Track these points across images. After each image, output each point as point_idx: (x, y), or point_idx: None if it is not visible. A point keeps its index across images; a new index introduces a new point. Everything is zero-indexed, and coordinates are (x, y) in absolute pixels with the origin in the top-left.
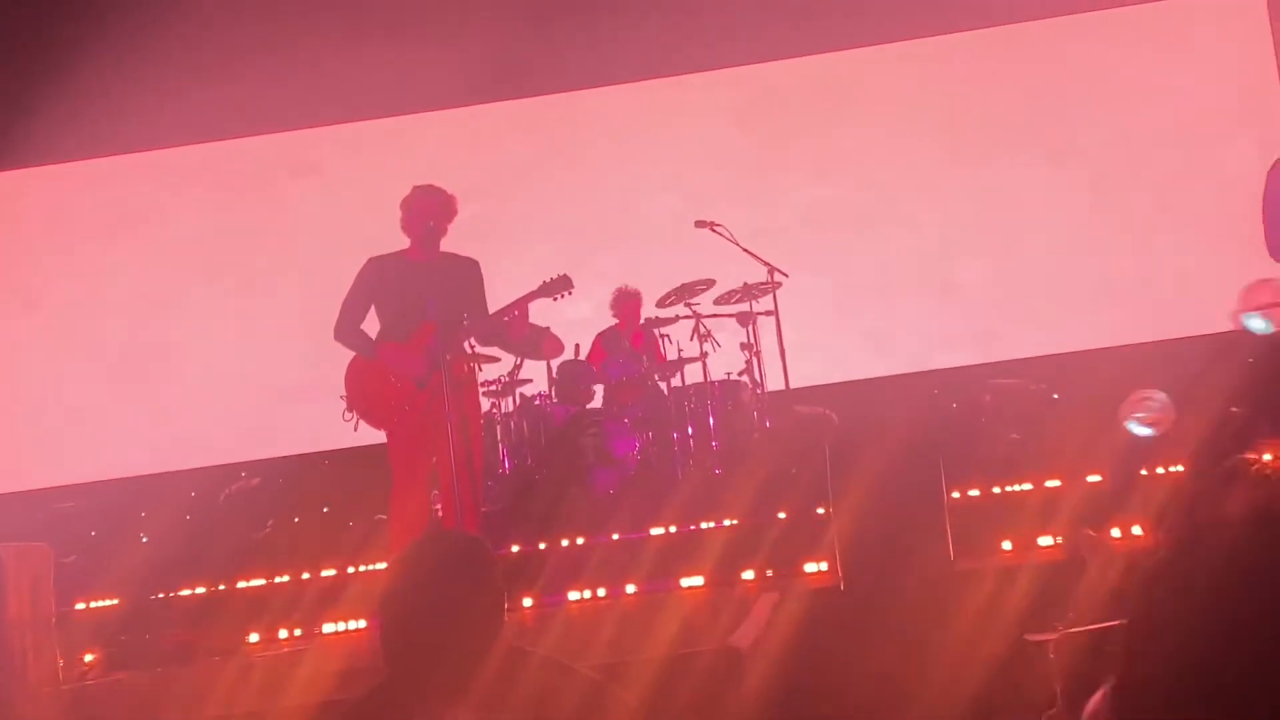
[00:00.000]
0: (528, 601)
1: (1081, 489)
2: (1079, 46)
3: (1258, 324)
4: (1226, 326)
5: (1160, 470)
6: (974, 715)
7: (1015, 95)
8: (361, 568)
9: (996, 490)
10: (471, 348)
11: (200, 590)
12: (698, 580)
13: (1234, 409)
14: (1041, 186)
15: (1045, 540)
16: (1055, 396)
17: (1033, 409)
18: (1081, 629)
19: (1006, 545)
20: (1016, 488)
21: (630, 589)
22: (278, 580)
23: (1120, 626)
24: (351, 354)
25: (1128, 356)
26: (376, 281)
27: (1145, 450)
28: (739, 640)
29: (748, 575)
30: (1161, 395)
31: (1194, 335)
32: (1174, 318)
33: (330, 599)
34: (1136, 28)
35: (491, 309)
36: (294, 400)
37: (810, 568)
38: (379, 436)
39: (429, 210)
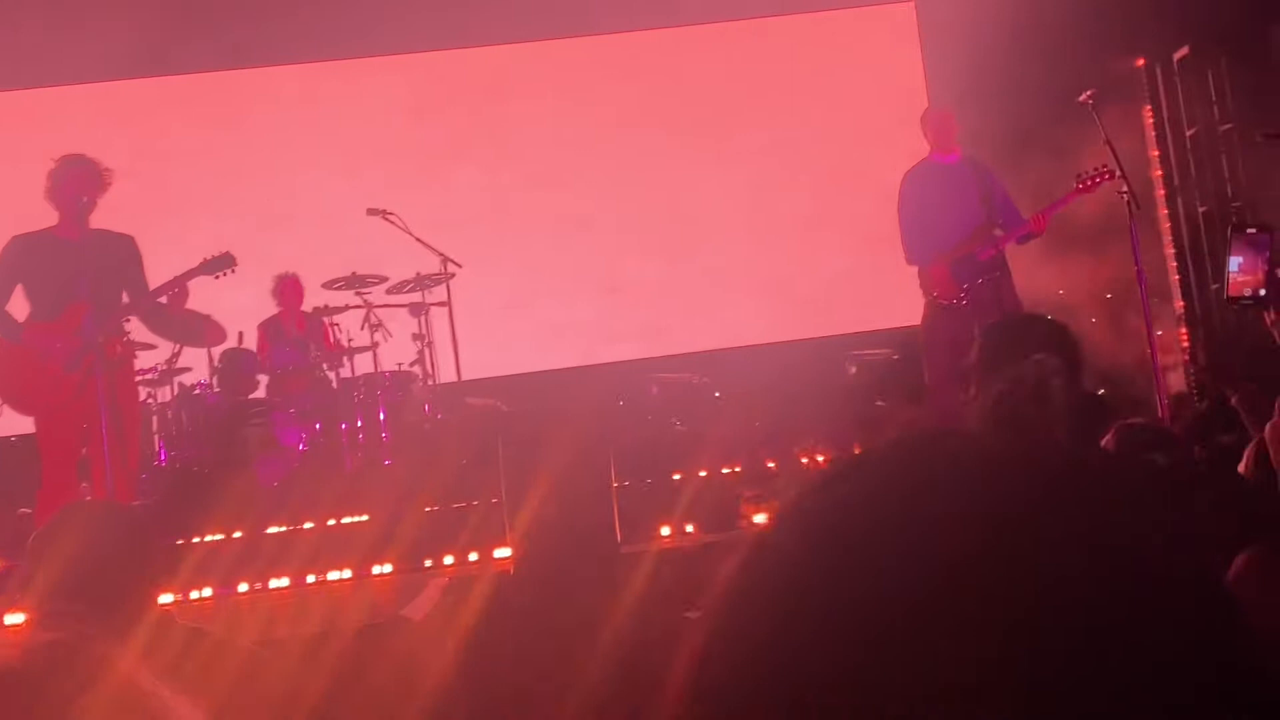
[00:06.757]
0: (181, 595)
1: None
2: (746, 51)
3: None
4: (878, 325)
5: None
6: (639, 687)
7: (684, 96)
8: None
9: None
10: (128, 332)
11: None
12: (376, 570)
13: (879, 402)
14: (707, 187)
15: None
16: (717, 395)
17: (696, 401)
18: None
19: (664, 531)
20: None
21: (299, 580)
22: None
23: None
24: None
25: (786, 352)
26: (21, 261)
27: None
28: (410, 612)
29: (426, 564)
30: None
31: (847, 333)
32: (829, 315)
33: None
34: (798, 36)
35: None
36: None
37: (479, 555)
38: (24, 425)
39: (79, 182)
